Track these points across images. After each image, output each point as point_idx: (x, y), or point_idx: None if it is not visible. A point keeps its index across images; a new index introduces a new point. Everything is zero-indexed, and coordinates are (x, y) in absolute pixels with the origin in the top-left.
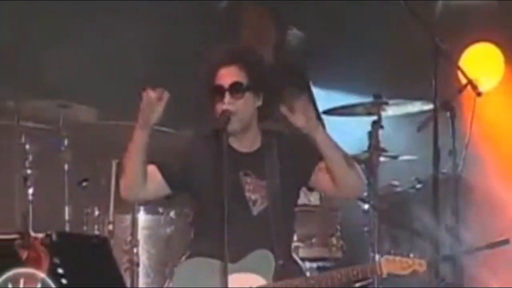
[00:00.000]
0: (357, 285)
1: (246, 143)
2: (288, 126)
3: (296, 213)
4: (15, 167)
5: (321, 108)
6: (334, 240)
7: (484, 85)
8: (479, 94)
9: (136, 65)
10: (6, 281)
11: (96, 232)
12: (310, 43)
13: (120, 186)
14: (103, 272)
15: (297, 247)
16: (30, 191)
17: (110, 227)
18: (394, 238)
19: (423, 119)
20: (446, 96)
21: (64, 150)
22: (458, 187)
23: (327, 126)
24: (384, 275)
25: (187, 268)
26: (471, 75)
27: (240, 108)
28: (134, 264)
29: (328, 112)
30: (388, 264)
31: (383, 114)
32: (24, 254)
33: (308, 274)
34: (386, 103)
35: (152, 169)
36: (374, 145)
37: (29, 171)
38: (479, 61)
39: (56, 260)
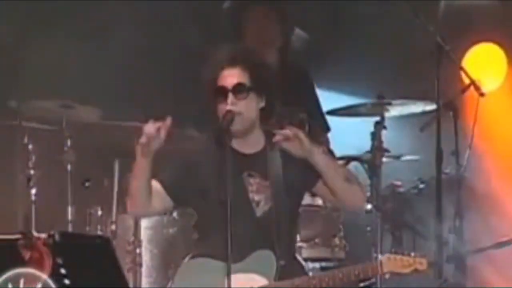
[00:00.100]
0: (361, 285)
1: (249, 144)
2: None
3: (300, 213)
4: (18, 167)
5: (324, 109)
6: (337, 240)
7: (487, 86)
8: (482, 94)
9: (137, 65)
10: (6, 281)
11: (99, 232)
12: (313, 44)
13: (127, 206)
14: (105, 272)
15: (300, 247)
16: (33, 191)
17: (113, 227)
18: (397, 239)
19: (426, 119)
20: (449, 96)
21: (67, 150)
22: (461, 187)
23: (331, 126)
24: (386, 274)
25: (190, 269)
26: (474, 76)
27: (243, 109)
28: (137, 265)
29: (332, 112)
30: (389, 262)
31: (386, 114)
32: (27, 254)
33: (310, 274)
34: (389, 104)
35: (154, 185)
36: (377, 146)
37: (32, 172)
38: (482, 62)
39: (59, 260)
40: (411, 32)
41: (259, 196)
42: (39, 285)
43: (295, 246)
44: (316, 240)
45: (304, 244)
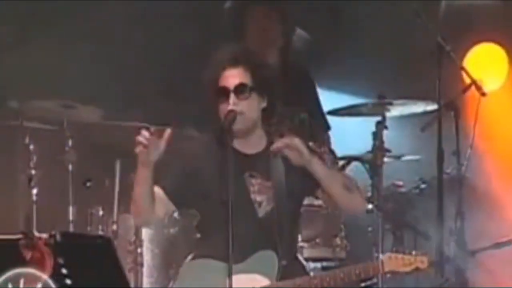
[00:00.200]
0: (362, 285)
1: (251, 144)
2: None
3: (301, 213)
4: (19, 167)
5: (325, 109)
6: (338, 240)
7: (488, 86)
8: (483, 94)
9: (139, 65)
10: (6, 281)
11: (100, 232)
12: (314, 44)
13: (131, 213)
14: (107, 272)
15: (301, 247)
16: (34, 191)
17: (114, 227)
18: (398, 238)
19: (427, 119)
20: (450, 96)
21: (68, 150)
22: (462, 187)
23: (332, 126)
24: (387, 274)
25: (192, 269)
26: (475, 76)
27: (245, 109)
28: (138, 264)
29: (333, 112)
30: (390, 261)
31: (387, 114)
32: (28, 255)
33: (312, 274)
34: (390, 104)
35: (156, 191)
36: (378, 146)
37: (33, 172)
38: (483, 62)
39: (60, 260)
40: (412, 32)
41: (261, 196)
42: (39, 285)
43: (297, 246)
44: (317, 240)
45: (305, 244)
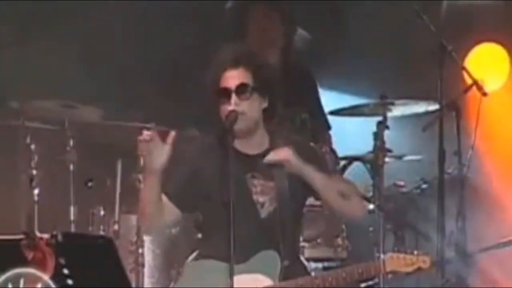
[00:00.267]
0: (362, 285)
1: (253, 145)
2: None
3: (304, 213)
4: (20, 167)
5: (327, 109)
6: (339, 240)
7: (490, 86)
8: (484, 94)
9: (141, 65)
10: (6, 281)
11: (102, 233)
12: (315, 44)
13: (140, 221)
14: (108, 272)
15: (302, 247)
16: (36, 191)
17: (116, 227)
18: (399, 239)
19: (428, 119)
20: (451, 96)
21: (69, 150)
22: (463, 187)
23: (333, 126)
24: (389, 273)
25: (194, 270)
26: (476, 76)
27: (247, 110)
28: (139, 265)
29: (334, 112)
30: (392, 261)
31: (389, 114)
32: (29, 255)
33: (313, 274)
34: (392, 104)
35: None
36: (380, 146)
37: (34, 172)
38: (485, 62)
39: (62, 261)
40: (414, 32)
41: (263, 197)
42: (39, 285)
43: (299, 247)
44: (319, 240)
45: (306, 244)
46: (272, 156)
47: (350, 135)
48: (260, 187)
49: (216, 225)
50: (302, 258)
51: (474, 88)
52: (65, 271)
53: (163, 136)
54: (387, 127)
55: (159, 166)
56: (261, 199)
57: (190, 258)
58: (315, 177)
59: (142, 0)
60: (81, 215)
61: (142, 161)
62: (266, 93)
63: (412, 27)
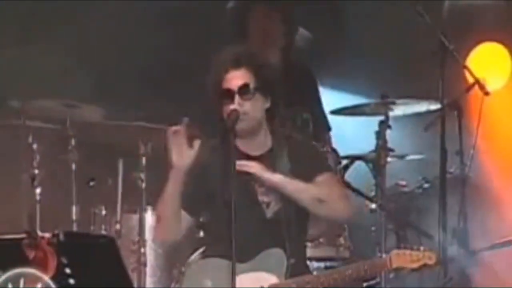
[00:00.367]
0: (364, 284)
1: (256, 145)
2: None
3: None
4: (22, 167)
5: (328, 109)
6: (341, 240)
7: (492, 85)
8: (486, 93)
9: (142, 65)
10: (6, 281)
11: (104, 232)
12: (317, 43)
13: (156, 233)
14: (110, 272)
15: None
16: (37, 190)
17: (118, 226)
18: (401, 238)
19: (430, 119)
20: (453, 95)
21: (71, 149)
22: (465, 186)
23: (335, 126)
24: (395, 270)
25: (200, 269)
26: (478, 75)
27: (250, 110)
28: (141, 264)
29: (336, 112)
30: (398, 258)
31: (391, 114)
32: (31, 254)
33: (315, 273)
34: (393, 103)
35: None
36: (382, 145)
37: (36, 171)
38: (486, 61)
39: (63, 260)
40: (415, 31)
41: (268, 197)
42: (39, 285)
43: (305, 245)
44: (321, 240)
45: (308, 244)
46: (241, 167)
47: (352, 135)
48: (265, 187)
49: (221, 225)
50: None
51: (476, 87)
52: (67, 270)
53: (190, 141)
54: (389, 127)
55: (186, 165)
56: (266, 199)
57: (192, 257)
58: (286, 185)
59: (142, 0)
60: (83, 215)
61: (172, 157)
62: (268, 93)
63: (413, 26)
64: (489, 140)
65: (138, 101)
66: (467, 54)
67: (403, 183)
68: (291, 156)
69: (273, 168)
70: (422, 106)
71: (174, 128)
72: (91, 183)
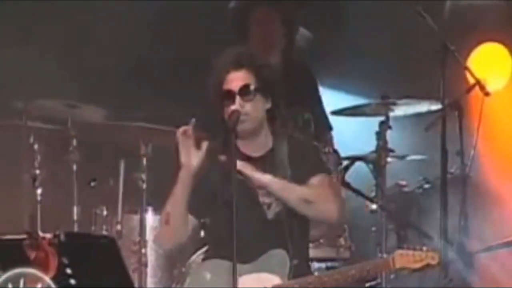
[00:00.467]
0: (366, 285)
1: (257, 146)
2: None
3: None
4: (23, 167)
5: (329, 109)
6: (342, 241)
7: (492, 85)
8: (487, 94)
9: (143, 65)
10: (6, 281)
11: (105, 232)
12: (317, 43)
13: (161, 237)
14: (111, 272)
15: None
16: (39, 191)
17: (119, 227)
18: (402, 238)
19: (431, 119)
20: (454, 96)
21: (72, 150)
22: (466, 187)
23: (335, 126)
24: (398, 270)
25: (203, 270)
26: (479, 75)
27: (251, 111)
28: (142, 264)
29: (336, 112)
30: (401, 258)
31: (391, 114)
32: (32, 254)
33: (316, 274)
34: (394, 104)
35: None
36: (382, 145)
37: (37, 171)
38: (487, 61)
39: (64, 260)
40: (415, 31)
41: (269, 198)
42: (40, 285)
43: (308, 246)
44: (321, 240)
45: (309, 244)
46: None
47: (351, 135)
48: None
49: (223, 226)
50: None
51: (477, 87)
52: (68, 270)
53: (197, 142)
54: (390, 127)
55: (195, 166)
56: (267, 200)
57: (193, 257)
58: (273, 184)
59: (143, 0)
60: (84, 215)
61: (181, 157)
62: (269, 93)
63: (413, 26)
64: (489, 140)
65: (138, 101)
66: (468, 55)
67: (404, 183)
68: (291, 157)
69: (273, 169)
70: (423, 107)
71: (183, 128)
72: (92, 184)
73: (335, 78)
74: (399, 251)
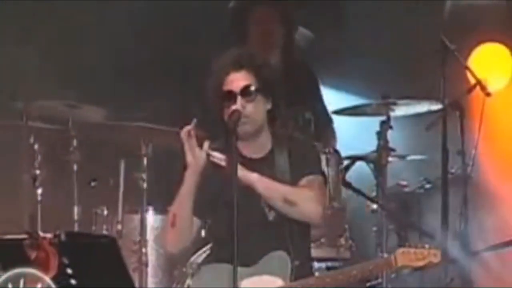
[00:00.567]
0: (367, 284)
1: (257, 148)
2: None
3: None
4: (23, 167)
5: (330, 109)
6: (342, 240)
7: (493, 85)
8: (488, 94)
9: (143, 65)
10: (6, 281)
11: (105, 232)
12: (318, 43)
13: (166, 241)
14: (111, 272)
15: None
16: (39, 191)
17: (119, 227)
18: (402, 238)
19: (432, 119)
20: (455, 96)
21: (72, 150)
22: (467, 187)
23: (336, 126)
24: (400, 268)
25: (206, 273)
26: (480, 75)
27: (252, 111)
28: (142, 264)
29: (337, 112)
30: (403, 256)
31: (392, 114)
32: (32, 254)
33: (316, 274)
34: (395, 103)
35: None
36: (383, 145)
37: (37, 171)
38: (488, 61)
39: (65, 260)
40: (415, 31)
41: None
42: (40, 285)
43: (309, 246)
44: (322, 240)
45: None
46: (220, 161)
47: (352, 135)
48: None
49: (223, 228)
50: None
51: (478, 87)
52: (68, 270)
53: (199, 141)
54: (391, 127)
55: (200, 165)
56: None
57: (193, 258)
58: (258, 184)
59: (143, 0)
60: (84, 215)
61: (187, 158)
62: (269, 94)
63: (413, 26)
64: (490, 140)
65: (138, 101)
66: (468, 55)
67: (404, 183)
68: (291, 158)
69: (272, 170)
70: (424, 106)
71: (187, 128)
72: (93, 184)
73: (335, 78)
74: (401, 249)
